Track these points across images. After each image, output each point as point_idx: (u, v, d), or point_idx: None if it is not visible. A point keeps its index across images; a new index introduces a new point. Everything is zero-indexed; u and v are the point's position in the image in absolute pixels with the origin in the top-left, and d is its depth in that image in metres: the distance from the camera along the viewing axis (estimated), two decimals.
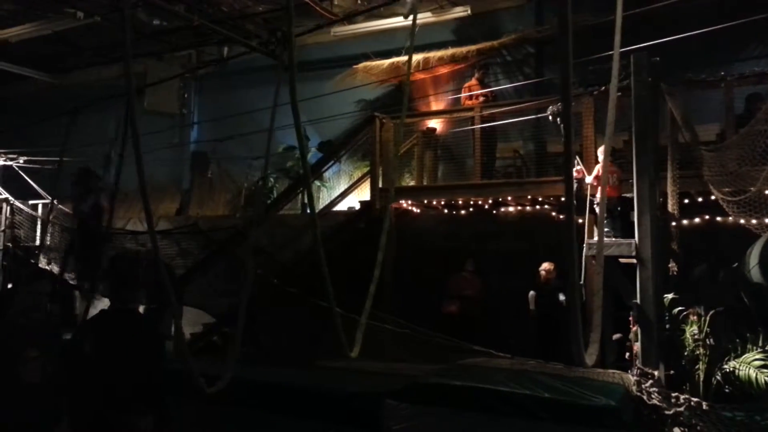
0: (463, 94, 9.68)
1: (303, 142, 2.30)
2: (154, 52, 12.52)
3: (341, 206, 10.18)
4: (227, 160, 12.22)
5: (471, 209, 9.07)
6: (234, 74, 12.68)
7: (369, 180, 9.38)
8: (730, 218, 6.07)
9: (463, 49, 10.33)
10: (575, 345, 1.29)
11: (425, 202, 9.16)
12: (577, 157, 7.18)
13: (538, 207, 8.63)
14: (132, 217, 12.51)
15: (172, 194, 12.58)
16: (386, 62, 10.71)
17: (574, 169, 6.98)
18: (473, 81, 9.65)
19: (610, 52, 6.21)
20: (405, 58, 10.26)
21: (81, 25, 11.56)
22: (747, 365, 5.21)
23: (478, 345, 6.66)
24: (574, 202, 7.21)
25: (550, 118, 7.39)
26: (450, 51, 10.46)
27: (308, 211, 10.75)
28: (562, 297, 7.32)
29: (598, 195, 6.76)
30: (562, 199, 7.89)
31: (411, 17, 9.27)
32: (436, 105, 10.85)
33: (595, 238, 6.61)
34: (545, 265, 7.69)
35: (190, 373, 2.05)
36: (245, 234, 9.01)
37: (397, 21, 10.84)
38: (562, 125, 7.17)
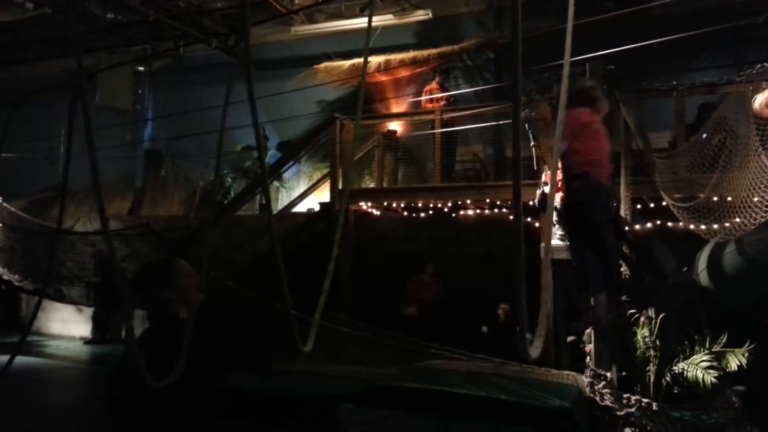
0: (423, 97, 9.74)
1: (261, 141, 2.20)
2: (108, 46, 12.15)
3: (300, 207, 10.07)
4: (182, 159, 11.93)
5: (430, 212, 9.10)
6: (190, 71, 12.41)
7: (329, 181, 9.32)
8: (681, 224, 6.24)
9: (424, 53, 10.38)
10: (520, 339, 1.29)
11: (385, 204, 9.15)
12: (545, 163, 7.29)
13: (496, 210, 8.72)
14: (81, 216, 12.09)
15: (123, 193, 12.21)
16: (347, 63, 10.66)
17: (544, 174, 7.12)
18: (434, 84, 9.70)
19: (571, 59, 6.36)
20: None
21: (29, 16, 11.12)
22: (695, 366, 5.35)
23: (435, 347, 6.67)
24: (536, 204, 7.30)
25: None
26: (411, 54, 10.50)
27: (266, 212, 10.63)
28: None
29: (558, 200, 6.90)
30: (509, 202, 8.05)
31: (367, 12, 9.28)
32: (397, 107, 10.86)
33: (553, 242, 6.71)
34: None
35: (137, 367, 1.95)
36: (199, 234, 8.83)
37: (359, 21, 10.80)
38: (530, 131, 7.29)
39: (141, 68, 12.71)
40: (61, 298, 10.65)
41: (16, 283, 10.89)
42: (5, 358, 3.88)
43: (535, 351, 1.38)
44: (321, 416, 5.40)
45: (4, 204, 10.80)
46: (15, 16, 11.16)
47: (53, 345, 10.70)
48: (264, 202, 10.57)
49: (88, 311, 10.94)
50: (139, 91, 13.17)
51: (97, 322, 10.79)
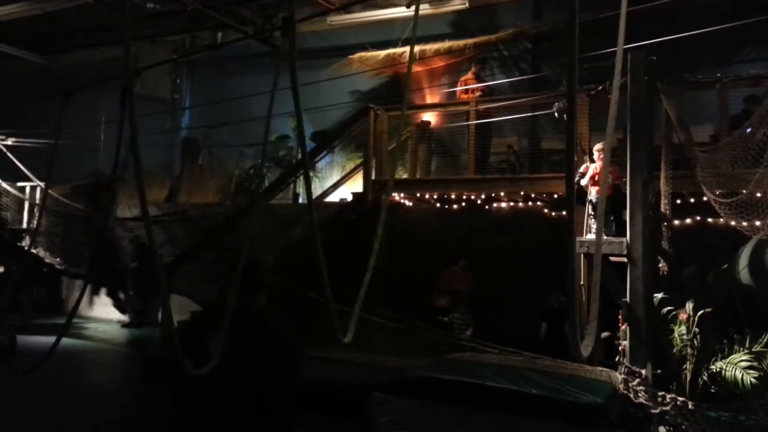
0: (459, 88, 9.65)
1: (303, 131, 2.23)
2: (147, 35, 12.38)
3: (333, 197, 10.13)
4: (219, 148, 12.11)
5: (463, 204, 9.05)
6: (227, 60, 12.55)
7: (362, 171, 9.33)
8: (721, 220, 6.07)
9: (460, 43, 10.28)
10: (571, 335, 1.27)
11: (418, 195, 9.12)
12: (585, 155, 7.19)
13: (530, 203, 8.62)
14: (120, 202, 12.40)
15: (161, 180, 12.46)
16: (382, 53, 10.63)
17: (583, 165, 7.02)
18: (469, 75, 9.60)
19: (605, 51, 6.22)
20: (401, 49, 10.21)
21: (72, 6, 11.39)
22: (733, 366, 5.23)
23: (466, 340, 6.66)
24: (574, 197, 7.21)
25: (556, 114, 7.35)
26: (447, 44, 10.41)
27: (302, 200, 10.72)
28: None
29: (594, 193, 6.80)
30: (555, 196, 7.94)
31: (413, 6, 9.20)
32: (431, 98, 10.80)
33: (589, 236, 6.61)
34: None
35: (176, 355, 2.00)
36: (235, 222, 8.97)
37: (395, 11, 10.77)
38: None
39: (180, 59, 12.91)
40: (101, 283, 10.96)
41: (58, 267, 11.25)
42: (49, 339, 4.03)
43: (586, 350, 1.36)
44: (352, 405, 5.46)
45: (51, 192, 11.13)
46: (59, 5, 11.46)
47: (92, 327, 11.06)
48: (298, 191, 10.69)
49: (128, 295, 11.23)
50: (177, 81, 13.39)
51: (134, 307, 11.09)
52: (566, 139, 1.31)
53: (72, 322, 4.07)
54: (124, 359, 9.33)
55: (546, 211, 8.48)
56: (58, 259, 11.13)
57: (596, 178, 6.78)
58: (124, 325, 11.24)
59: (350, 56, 11.06)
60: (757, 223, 5.63)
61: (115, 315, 11.38)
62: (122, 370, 8.93)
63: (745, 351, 5.33)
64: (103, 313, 11.58)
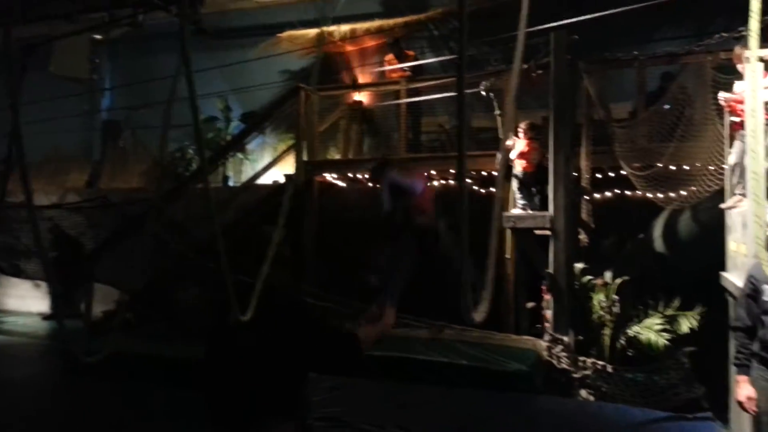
0: (387, 68, 9.61)
1: (198, 115, 2.06)
2: (62, 14, 11.65)
3: (265, 179, 9.95)
4: (142, 130, 11.61)
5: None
6: (150, 39, 11.99)
7: (294, 153, 9.21)
8: (638, 192, 6.36)
9: (390, 22, 10.23)
10: (463, 302, 1.29)
11: (350, 175, 9.08)
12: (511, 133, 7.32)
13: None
14: (37, 189, 11.73)
15: (81, 165, 11.85)
16: (312, 32, 10.44)
17: (508, 142, 7.15)
18: (390, 56, 9.61)
19: (532, 29, 6.33)
20: (331, 28, 10.06)
21: None
22: (648, 329, 5.52)
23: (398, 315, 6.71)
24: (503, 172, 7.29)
25: (483, 92, 7.45)
26: (377, 23, 10.34)
27: (232, 183, 10.44)
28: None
29: (520, 168, 6.97)
30: (484, 173, 8.08)
31: None
32: (363, 78, 10.72)
33: (513, 211, 6.78)
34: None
35: (64, 341, 1.90)
36: (161, 208, 8.65)
37: None
38: (495, 100, 7.29)
39: (98, 36, 12.24)
40: (18, 273, 10.36)
41: None
42: None
43: (479, 315, 1.38)
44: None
45: None
46: None
47: (10, 321, 10.45)
48: (228, 173, 10.44)
49: (46, 286, 10.68)
50: (97, 60, 12.70)
51: (55, 297, 10.56)
52: (458, 122, 1.31)
53: None
54: (47, 352, 8.89)
55: (475, 188, 8.62)
56: None
57: (523, 154, 6.95)
58: (45, 317, 10.69)
59: (279, 35, 10.82)
60: (672, 194, 5.93)
61: (35, 307, 10.80)
62: (46, 364, 8.50)
63: (659, 315, 5.64)
64: (23, 306, 10.98)
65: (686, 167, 5.89)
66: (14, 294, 10.93)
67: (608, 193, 7.06)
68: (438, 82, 8.66)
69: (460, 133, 1.24)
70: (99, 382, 5.82)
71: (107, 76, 13.07)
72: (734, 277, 4.24)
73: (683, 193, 5.82)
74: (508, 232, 6.74)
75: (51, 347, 9.10)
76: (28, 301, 10.83)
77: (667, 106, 6.40)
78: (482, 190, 8.42)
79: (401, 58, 9.47)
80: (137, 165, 11.32)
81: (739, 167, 4.68)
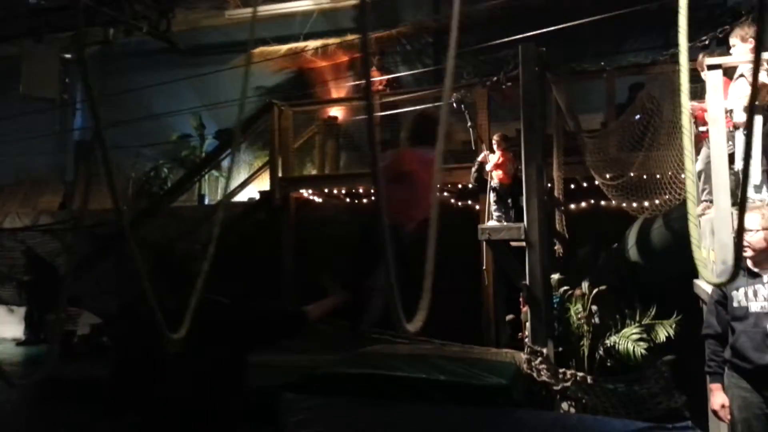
0: (363, 81, 9.63)
1: (104, 142, 1.99)
2: (31, 32, 11.50)
3: (242, 197, 9.86)
4: (114, 150, 11.46)
5: (373, 198, 9.06)
6: (121, 57, 11.90)
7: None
8: (612, 202, 6.41)
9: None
10: (394, 312, 1.26)
11: (326, 191, 9.05)
12: (484, 144, 7.36)
13: (437, 194, 8.74)
14: (10, 211, 11.52)
15: (54, 187, 11.66)
16: (283, 47, 10.46)
17: (482, 154, 7.19)
18: (373, 69, 9.63)
19: (501, 41, 6.39)
20: (303, 43, 10.08)
21: None
22: (626, 339, 5.53)
23: (378, 332, 6.67)
24: (477, 184, 7.31)
25: (455, 104, 7.48)
26: (349, 37, 10.37)
27: (207, 201, 10.32)
28: None
29: (497, 179, 7.00)
30: (460, 186, 8.10)
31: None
32: (337, 93, 10.74)
33: (488, 223, 6.79)
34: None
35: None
36: (134, 228, 8.52)
37: (295, 5, 10.61)
38: (466, 112, 7.33)
39: (68, 56, 12.09)
40: None
41: None
42: None
43: (415, 324, 1.35)
44: (263, 407, 5.32)
45: None
46: None
47: None
48: (203, 192, 10.33)
49: (21, 311, 10.43)
50: (67, 80, 12.51)
51: (30, 322, 10.31)
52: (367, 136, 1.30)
53: None
54: (22, 378, 8.65)
55: (453, 201, 8.64)
56: None
57: (498, 166, 6.98)
58: (19, 343, 10.43)
59: (251, 51, 10.78)
60: (645, 203, 5.97)
61: (9, 332, 10.55)
62: (21, 391, 8.28)
63: (636, 324, 5.66)
64: None
65: (657, 176, 5.95)
66: None
67: (583, 204, 7.11)
68: (410, 96, 8.70)
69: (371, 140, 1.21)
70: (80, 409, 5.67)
71: (78, 95, 12.89)
72: (705, 285, 4.26)
73: (656, 201, 5.88)
74: (483, 245, 6.74)
75: (26, 373, 8.87)
76: (1, 326, 10.57)
77: (637, 117, 6.48)
78: (459, 203, 8.44)
79: (384, 69, 9.51)
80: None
81: (704, 174, 4.74)
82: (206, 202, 10.58)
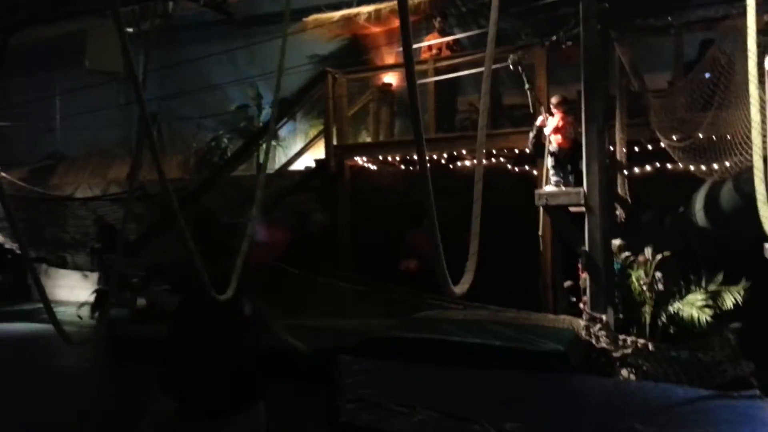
0: (423, 44, 9.38)
1: (147, 117, 2.11)
2: (96, 9, 11.89)
3: (298, 165, 10.00)
4: (176, 121, 11.82)
5: (428, 164, 8.99)
6: (181, 30, 12.16)
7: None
8: (678, 165, 6.13)
9: (416, 0, 10.08)
10: (441, 274, 1.26)
11: (381, 158, 9.05)
12: (542, 108, 7.14)
13: (493, 160, 8.60)
14: (81, 182, 12.13)
15: (122, 158, 12.17)
16: (337, 14, 10.39)
17: (540, 118, 6.99)
18: (434, 33, 9.44)
19: None
20: (356, 9, 9.99)
21: None
22: (690, 306, 5.34)
23: (432, 297, 6.68)
24: (532, 148, 7.15)
25: (511, 66, 7.27)
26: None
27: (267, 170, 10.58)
28: None
29: (554, 144, 6.80)
30: (516, 151, 7.93)
31: None
32: (391, 59, 10.62)
33: (546, 188, 6.64)
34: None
35: (55, 325, 2.10)
36: (195, 196, 8.83)
37: None
38: (524, 74, 7.12)
39: (130, 29, 12.46)
40: (64, 265, 10.76)
41: (18, 252, 11.01)
42: (17, 326, 3.86)
43: (461, 288, 1.34)
44: (320, 369, 5.47)
45: (3, 174, 10.80)
46: None
47: (60, 311, 10.85)
48: (261, 161, 10.51)
49: (94, 276, 11.06)
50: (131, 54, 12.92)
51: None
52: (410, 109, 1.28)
53: (38, 307, 4.04)
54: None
55: (509, 166, 8.47)
56: (17, 245, 10.87)
57: (558, 129, 6.77)
58: (81, 305, 11.07)
59: (305, 19, 10.80)
60: (714, 165, 5.68)
61: (84, 296, 11.22)
62: (93, 352, 8.83)
63: (701, 291, 5.44)
64: (71, 296, 11.40)
65: (728, 137, 5.63)
66: (64, 285, 11.36)
67: (646, 167, 6.83)
68: (465, 59, 8.51)
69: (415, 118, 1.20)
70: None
71: (140, 68, 13.29)
72: None
73: (726, 164, 5.58)
74: (541, 210, 6.61)
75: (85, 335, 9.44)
76: (77, 291, 11.25)
77: (707, 75, 6.12)
78: (516, 168, 8.28)
79: (445, 32, 9.29)
80: (174, 156, 11.56)
81: None
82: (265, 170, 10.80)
